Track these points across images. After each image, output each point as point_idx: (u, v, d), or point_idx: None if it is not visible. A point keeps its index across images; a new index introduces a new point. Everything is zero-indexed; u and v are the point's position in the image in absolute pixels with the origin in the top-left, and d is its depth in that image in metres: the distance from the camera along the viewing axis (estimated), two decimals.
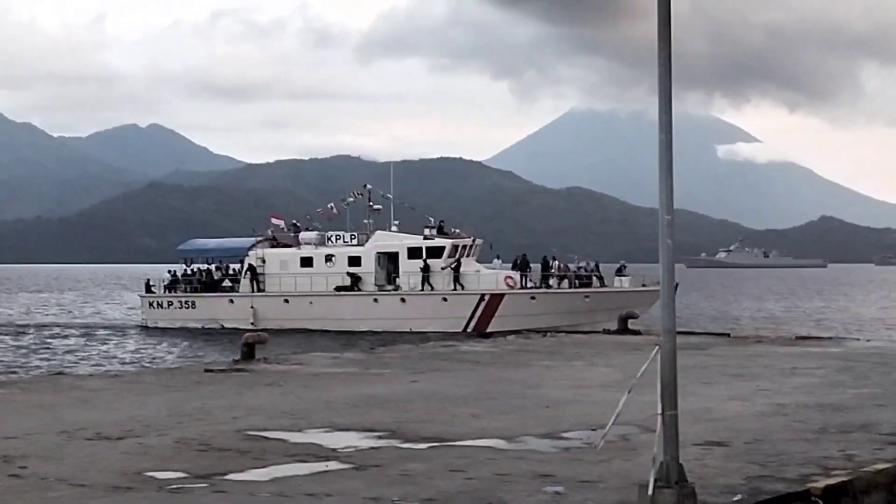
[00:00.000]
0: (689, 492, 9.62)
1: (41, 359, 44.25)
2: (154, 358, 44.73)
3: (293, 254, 62.00)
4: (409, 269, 58.82)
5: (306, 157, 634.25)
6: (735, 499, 10.66)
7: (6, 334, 58.18)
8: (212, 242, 69.49)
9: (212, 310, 61.86)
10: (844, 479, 11.62)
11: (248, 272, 61.84)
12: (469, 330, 55.66)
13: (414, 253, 58.88)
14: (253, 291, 61.51)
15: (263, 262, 61.90)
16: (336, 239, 62.15)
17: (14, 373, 35.15)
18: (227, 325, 58.77)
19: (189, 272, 65.36)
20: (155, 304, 64.60)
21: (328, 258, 60.75)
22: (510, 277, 58.45)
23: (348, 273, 59.61)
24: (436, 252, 58.58)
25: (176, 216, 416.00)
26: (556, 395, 18.82)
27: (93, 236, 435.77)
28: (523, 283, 58.39)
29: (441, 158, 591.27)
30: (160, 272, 70.42)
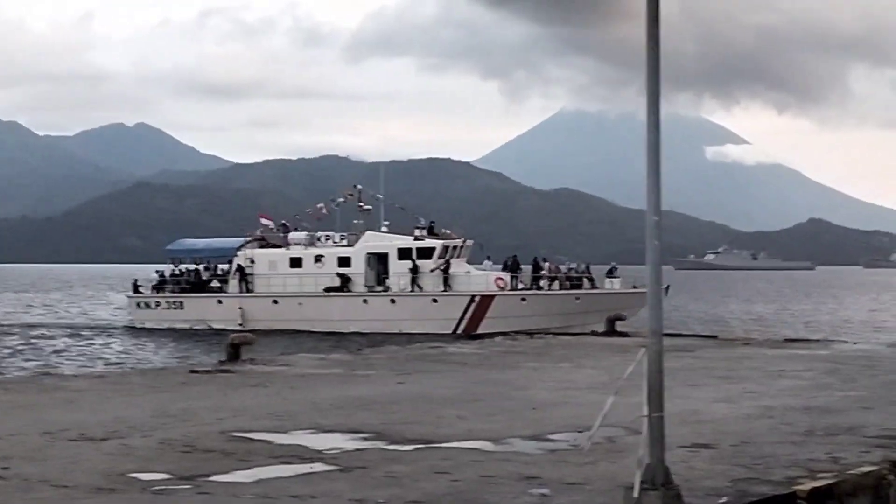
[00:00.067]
0: (675, 494, 9.59)
1: (26, 359, 44.08)
2: (140, 359, 44.62)
3: (282, 254, 61.90)
4: (399, 270, 58.76)
5: (294, 157, 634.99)
6: (721, 501, 10.63)
7: None
8: (200, 242, 69.39)
9: (200, 310, 61.69)
10: (830, 481, 11.61)
11: (237, 272, 61.71)
12: (459, 331, 55.56)
13: (404, 254, 58.82)
14: (241, 292, 61.40)
15: (252, 262, 61.78)
16: (325, 239, 62.11)
17: None
18: (215, 325, 58.58)
19: (177, 272, 65.21)
20: (142, 305, 64.45)
21: (318, 259, 60.66)
22: (500, 279, 58.48)
23: (338, 274, 59.50)
24: (426, 253, 58.53)
25: (163, 216, 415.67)
26: (543, 396, 18.78)
27: (79, 236, 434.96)
28: (514, 285, 58.45)
29: (430, 159, 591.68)
30: (147, 272, 70.30)
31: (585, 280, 59.39)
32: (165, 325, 61.17)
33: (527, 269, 60.15)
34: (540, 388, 20.17)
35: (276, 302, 60.26)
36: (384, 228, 61.56)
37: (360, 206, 62.99)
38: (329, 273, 59.72)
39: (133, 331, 61.54)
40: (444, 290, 57.86)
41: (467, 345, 32.30)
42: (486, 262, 63.49)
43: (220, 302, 61.75)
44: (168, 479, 11.71)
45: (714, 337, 35.23)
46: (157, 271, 66.61)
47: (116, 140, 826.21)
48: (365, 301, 58.99)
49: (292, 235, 62.82)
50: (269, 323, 57.22)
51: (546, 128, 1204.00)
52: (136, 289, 66.05)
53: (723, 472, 12.02)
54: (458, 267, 58.71)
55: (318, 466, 12.46)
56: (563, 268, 60.72)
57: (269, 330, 54.45)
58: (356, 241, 60.94)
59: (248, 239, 63.85)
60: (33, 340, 54.10)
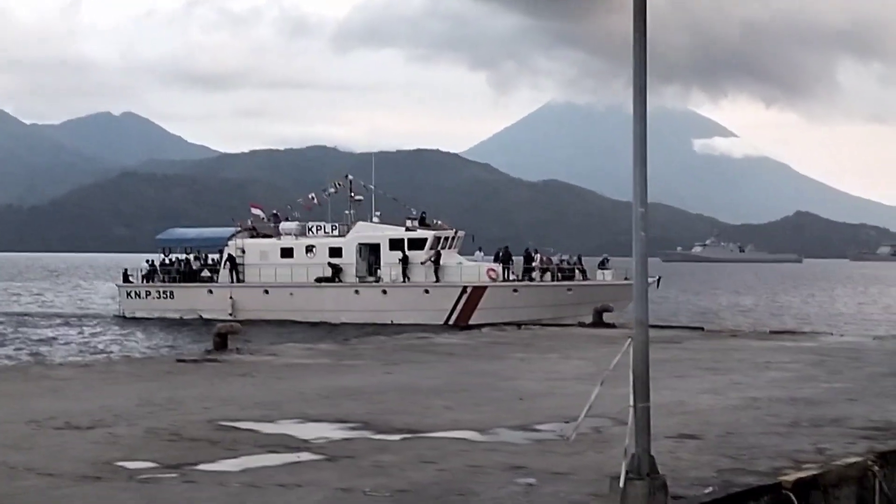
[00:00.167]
0: (661, 484, 9.63)
1: (12, 348, 43.94)
2: (128, 348, 44.49)
3: (273, 244, 61.71)
4: (390, 261, 58.62)
5: (282, 147, 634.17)
6: (706, 491, 10.68)
7: None
8: (191, 232, 69.19)
9: (190, 300, 61.51)
10: (815, 472, 11.68)
11: (228, 262, 61.53)
12: (451, 322, 55.43)
13: (396, 244, 58.65)
14: (232, 282, 61.23)
15: (243, 252, 61.59)
16: (317, 230, 61.89)
17: None
18: (205, 315, 58.22)
19: (167, 262, 65.03)
20: (132, 294, 64.22)
21: (309, 249, 60.48)
22: (492, 270, 58.35)
23: (329, 264, 59.37)
24: (417, 244, 58.40)
25: (150, 205, 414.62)
26: (530, 387, 18.82)
27: (65, 225, 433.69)
28: (505, 276, 58.33)
29: (418, 150, 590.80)
30: (134, 261, 70.07)
31: (577, 271, 59.33)
32: (156, 315, 60.99)
33: (518, 260, 60.12)
34: (527, 378, 20.21)
35: (266, 292, 60.14)
36: (376, 219, 61.40)
37: (352, 197, 62.80)
38: (320, 263, 59.57)
39: (122, 320, 61.38)
40: (435, 281, 57.80)
41: (455, 335, 32.34)
42: (477, 253, 63.36)
43: (210, 292, 61.58)
44: (154, 468, 11.71)
45: (701, 328, 35.32)
46: (147, 260, 66.40)
47: (103, 129, 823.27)
48: (356, 292, 58.86)
49: (283, 225, 62.63)
50: (259, 313, 57.16)
51: (534, 119, 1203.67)
52: (126, 278, 65.85)
53: (708, 462, 12.08)
54: (450, 258, 58.56)
55: (305, 456, 12.47)
56: (554, 259, 60.63)
57: (260, 320, 54.56)
58: (347, 231, 60.78)
59: (239, 229, 63.66)
60: (21, 329, 53.89)
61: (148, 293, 63.42)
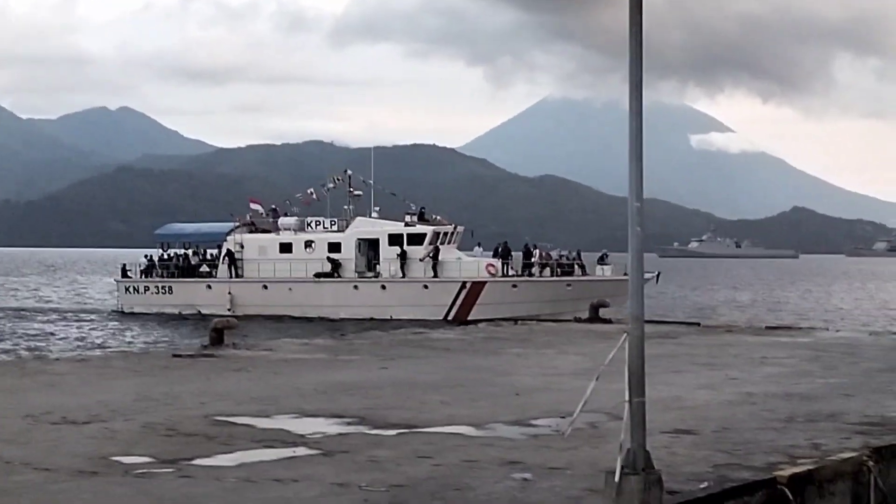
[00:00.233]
0: (656, 479, 9.65)
1: (13, 344, 43.89)
2: (126, 343, 44.50)
3: (272, 239, 61.70)
4: (389, 256, 58.64)
5: (278, 142, 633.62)
6: (701, 486, 10.71)
7: None
8: (189, 227, 69.21)
9: (189, 295, 61.51)
10: (810, 467, 11.71)
11: (227, 257, 61.50)
12: (450, 317, 55.38)
13: (395, 240, 58.68)
14: (231, 277, 61.21)
15: (242, 247, 61.59)
16: (316, 225, 61.89)
17: None
18: (204, 311, 58.12)
19: (166, 257, 65.04)
20: (131, 289, 64.18)
21: (308, 244, 60.50)
22: (492, 265, 58.39)
23: (328, 258, 59.38)
24: (417, 239, 58.42)
25: (146, 200, 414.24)
26: (526, 382, 18.85)
27: (62, 220, 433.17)
28: (505, 271, 58.34)
29: (414, 145, 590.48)
30: (130, 256, 70.01)
31: (577, 267, 59.33)
32: (154, 310, 60.99)
33: (518, 255, 60.15)
34: (523, 373, 20.23)
35: (265, 287, 60.12)
36: (375, 214, 61.48)
37: (351, 192, 62.80)
38: (319, 258, 59.58)
39: (121, 315, 61.35)
40: (433, 276, 57.82)
41: (451, 331, 32.34)
42: (476, 248, 63.40)
43: (209, 287, 61.55)
44: (150, 463, 11.72)
45: (697, 324, 35.34)
46: (145, 256, 66.38)
47: (100, 124, 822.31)
48: (355, 287, 58.85)
49: (282, 220, 62.62)
50: (258, 308, 57.26)
51: (531, 115, 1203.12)
52: (124, 273, 65.82)
53: (704, 457, 12.10)
54: (449, 253, 58.59)
55: (301, 451, 12.49)
56: (553, 254, 60.63)
57: (259, 315, 54.69)
58: (347, 226, 60.78)
59: (238, 224, 63.63)
60: (18, 324, 53.86)
61: (146, 288, 63.40)
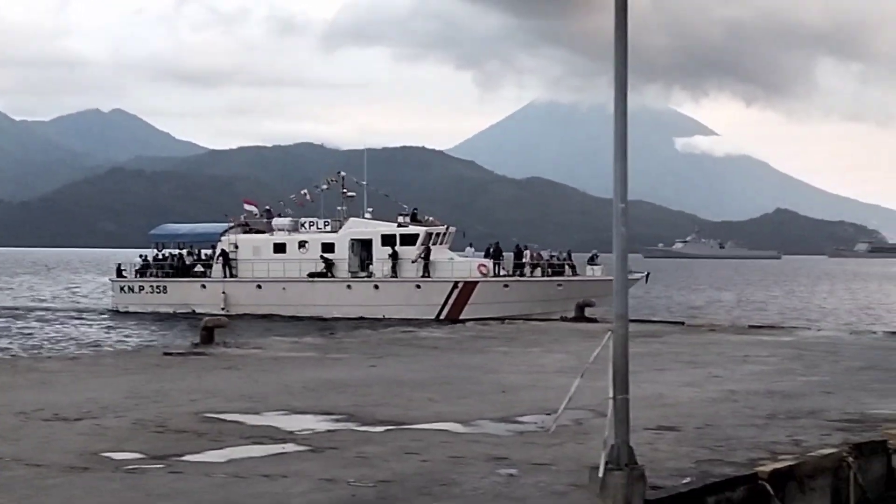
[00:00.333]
0: (639, 474, 9.83)
1: (7, 343, 43.79)
2: (118, 341, 44.50)
3: (266, 240, 61.84)
4: (382, 257, 58.87)
5: (269, 144, 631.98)
6: (684, 481, 10.87)
7: None
8: (184, 227, 69.14)
9: (183, 295, 61.58)
10: (791, 463, 11.88)
11: (221, 258, 61.63)
12: (442, 317, 55.64)
13: (388, 240, 58.88)
14: (225, 277, 61.34)
15: (236, 247, 61.68)
16: (309, 225, 62.05)
17: None
18: (198, 310, 57.98)
19: (161, 257, 65.14)
20: (126, 289, 64.23)
21: (301, 244, 60.65)
22: (484, 265, 58.59)
23: (322, 258, 59.60)
24: (409, 240, 58.62)
25: (138, 201, 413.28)
26: (513, 380, 19.02)
27: (55, 221, 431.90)
28: (496, 271, 58.63)
29: (404, 147, 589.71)
30: (123, 256, 69.92)
31: (567, 267, 59.62)
32: (149, 310, 61.04)
33: (509, 256, 60.41)
34: (510, 371, 20.41)
35: (259, 287, 60.27)
36: (368, 215, 61.67)
37: (344, 193, 62.93)
38: (313, 259, 59.78)
39: (115, 314, 61.38)
40: (424, 277, 58.06)
41: (439, 329, 32.52)
42: (468, 248, 63.56)
43: (203, 287, 61.66)
44: (141, 459, 11.86)
45: (681, 323, 35.59)
46: (140, 255, 66.42)
47: (92, 126, 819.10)
48: (349, 287, 59.05)
49: (276, 221, 62.77)
50: (252, 308, 57.43)
51: (519, 118, 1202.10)
52: (119, 273, 65.85)
53: (687, 453, 12.28)
54: (442, 253, 58.85)
55: (290, 447, 12.63)
56: (545, 255, 60.86)
57: (253, 314, 54.93)
58: (340, 227, 60.95)
59: (232, 224, 63.71)
60: (13, 322, 53.71)
61: (141, 288, 63.49)
